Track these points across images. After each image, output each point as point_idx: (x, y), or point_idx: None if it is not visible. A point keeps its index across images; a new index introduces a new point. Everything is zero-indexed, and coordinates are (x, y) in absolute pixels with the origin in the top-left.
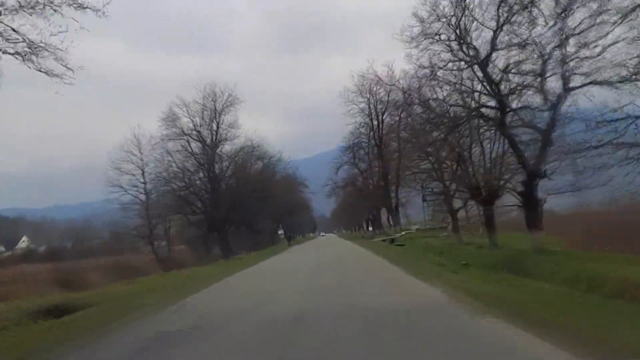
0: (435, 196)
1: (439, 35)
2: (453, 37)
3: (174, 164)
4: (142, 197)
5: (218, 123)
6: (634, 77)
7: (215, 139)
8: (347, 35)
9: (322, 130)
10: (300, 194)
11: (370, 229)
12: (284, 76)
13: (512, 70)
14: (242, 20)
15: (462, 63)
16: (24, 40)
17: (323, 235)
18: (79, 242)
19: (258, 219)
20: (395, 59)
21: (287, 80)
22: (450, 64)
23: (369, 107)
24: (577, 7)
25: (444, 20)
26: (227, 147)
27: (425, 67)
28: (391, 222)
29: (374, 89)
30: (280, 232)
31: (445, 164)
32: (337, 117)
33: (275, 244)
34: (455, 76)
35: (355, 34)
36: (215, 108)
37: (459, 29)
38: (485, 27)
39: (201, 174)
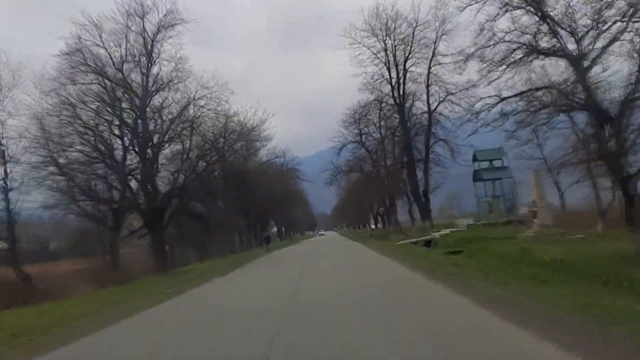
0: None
1: None
2: None
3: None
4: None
5: (150, 56)
6: None
7: (146, 82)
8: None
9: (322, 129)
10: (295, 185)
11: (380, 225)
12: (284, 74)
13: None
14: (243, 18)
15: None
16: None
17: (322, 234)
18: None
19: (229, 212)
20: None
21: (287, 78)
22: None
23: (386, 53)
24: None
25: None
26: (171, 98)
27: None
28: (413, 216)
29: (392, 26)
30: (276, 229)
31: None
32: (337, 116)
33: (261, 245)
34: None
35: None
36: (145, 31)
37: None
38: None
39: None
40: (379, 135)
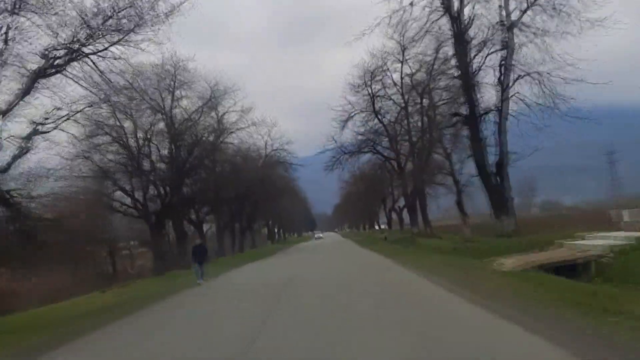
0: None
1: None
2: None
3: None
4: None
5: None
6: None
7: None
8: (349, 25)
9: (323, 129)
10: (287, 177)
11: (396, 225)
12: (284, 72)
13: None
14: (245, 16)
15: None
16: None
17: (319, 237)
18: None
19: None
20: None
21: (287, 76)
22: None
23: None
24: None
25: None
26: None
27: None
28: (464, 210)
29: None
30: (268, 230)
31: None
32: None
33: (241, 252)
34: None
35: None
36: None
37: None
38: None
39: None
40: (399, 97)
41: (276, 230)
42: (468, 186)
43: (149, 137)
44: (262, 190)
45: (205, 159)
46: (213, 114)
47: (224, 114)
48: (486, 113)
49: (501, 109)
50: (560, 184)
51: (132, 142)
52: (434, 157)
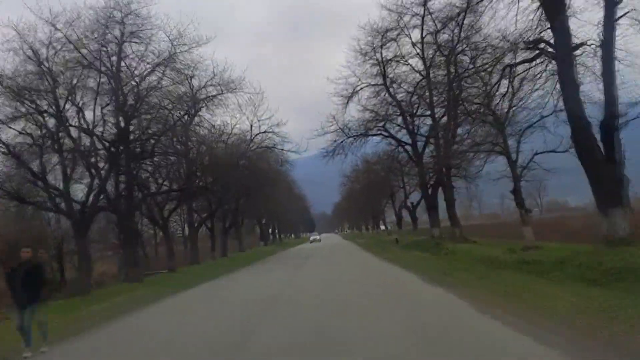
0: None
1: None
2: None
3: None
4: None
5: None
6: None
7: None
8: (349, 24)
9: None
10: (280, 170)
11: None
12: (284, 71)
13: None
14: (246, 15)
15: None
16: None
17: (315, 239)
18: None
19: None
20: None
21: (287, 75)
22: None
23: None
24: None
25: None
26: None
27: None
28: (525, 205)
29: None
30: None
31: None
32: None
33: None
34: None
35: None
36: None
37: None
38: None
39: None
40: (419, 61)
41: (270, 230)
42: (532, 169)
43: (72, 97)
44: (247, 177)
45: (172, 138)
46: (185, 87)
47: (201, 87)
48: (581, 44)
49: (608, 36)
50: (560, 183)
51: (54, 109)
52: (462, 137)
